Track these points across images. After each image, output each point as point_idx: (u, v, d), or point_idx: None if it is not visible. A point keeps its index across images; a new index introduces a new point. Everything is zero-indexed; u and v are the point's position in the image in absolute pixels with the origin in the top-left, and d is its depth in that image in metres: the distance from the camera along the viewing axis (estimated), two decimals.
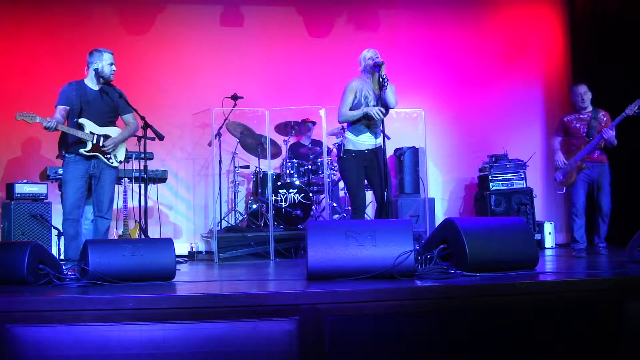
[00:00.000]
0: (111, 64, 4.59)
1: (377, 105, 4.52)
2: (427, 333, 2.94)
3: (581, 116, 5.49)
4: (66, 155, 4.58)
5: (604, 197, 5.36)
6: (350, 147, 4.71)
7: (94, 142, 4.52)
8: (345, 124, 5.54)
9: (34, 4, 6.93)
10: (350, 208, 6.58)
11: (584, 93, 5.48)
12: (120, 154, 4.72)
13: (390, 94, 4.53)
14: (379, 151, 4.65)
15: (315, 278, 3.37)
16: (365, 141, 4.66)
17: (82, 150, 4.49)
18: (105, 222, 4.63)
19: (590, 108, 5.49)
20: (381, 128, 4.60)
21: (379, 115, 4.48)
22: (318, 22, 7.59)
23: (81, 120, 4.52)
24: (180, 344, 2.79)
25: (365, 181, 4.82)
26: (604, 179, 5.38)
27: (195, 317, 2.83)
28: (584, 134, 5.44)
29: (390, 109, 4.64)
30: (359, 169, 4.69)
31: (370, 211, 6.46)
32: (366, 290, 2.94)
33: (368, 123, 4.62)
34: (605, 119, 5.41)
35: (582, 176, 5.43)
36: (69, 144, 4.55)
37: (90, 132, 4.53)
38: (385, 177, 4.55)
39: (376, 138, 4.66)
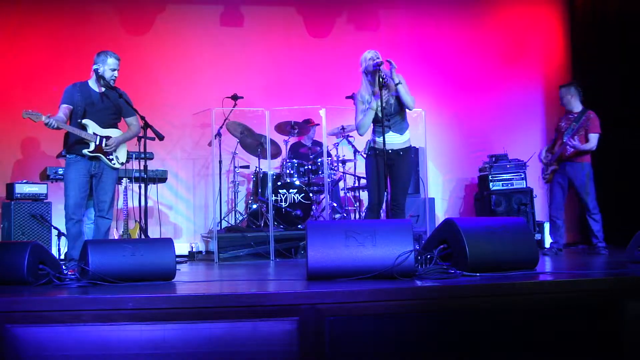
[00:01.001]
0: (113, 70, 4.57)
1: (381, 106, 4.46)
2: (427, 333, 2.93)
3: (569, 116, 5.54)
4: (67, 155, 4.59)
5: (585, 196, 5.39)
6: (374, 145, 4.63)
7: (97, 143, 4.53)
8: (346, 124, 5.54)
9: (34, 4, 6.93)
10: (350, 208, 6.64)
11: (562, 97, 5.56)
12: (122, 156, 4.72)
13: (404, 95, 4.44)
14: (405, 152, 4.57)
15: (315, 278, 3.36)
16: (390, 140, 4.52)
17: (85, 151, 4.50)
18: (106, 222, 4.64)
19: (579, 109, 5.50)
20: (405, 122, 4.57)
21: (378, 104, 4.41)
22: (318, 22, 7.59)
23: (84, 121, 4.53)
24: (180, 344, 2.79)
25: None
26: (578, 178, 5.40)
27: (195, 317, 2.82)
28: (564, 133, 5.49)
29: (409, 109, 4.57)
30: (380, 167, 4.58)
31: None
32: (366, 290, 2.94)
33: (389, 123, 4.51)
34: (585, 120, 5.39)
35: (557, 176, 5.49)
36: (71, 145, 4.56)
37: (94, 133, 4.53)
38: (386, 177, 4.47)
39: (401, 134, 4.56)
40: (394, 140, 4.53)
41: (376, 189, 4.65)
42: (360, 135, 4.73)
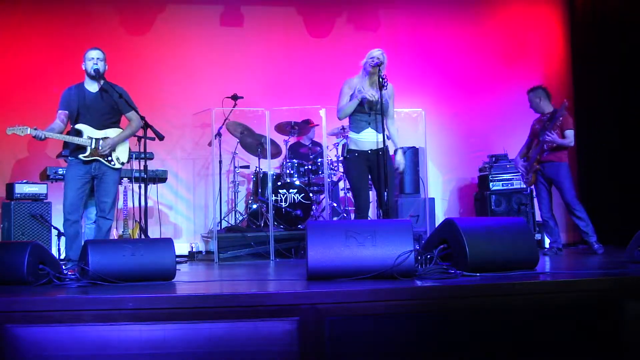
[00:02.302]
0: (91, 59, 4.54)
1: (381, 107, 4.50)
2: (427, 333, 2.93)
3: (542, 118, 5.59)
4: (69, 157, 4.59)
5: (565, 194, 5.41)
6: (353, 146, 4.69)
7: (93, 146, 4.52)
8: (346, 124, 5.56)
9: (34, 4, 6.93)
10: (349, 208, 6.64)
11: (531, 101, 5.62)
12: (123, 156, 4.70)
13: (390, 106, 4.57)
14: (384, 152, 4.59)
15: (315, 278, 3.36)
16: (367, 139, 4.59)
17: (81, 156, 4.49)
18: (107, 222, 4.63)
19: (550, 109, 5.54)
20: (382, 123, 4.60)
21: (374, 97, 4.46)
22: (318, 22, 7.59)
23: (78, 126, 4.53)
24: (180, 344, 2.79)
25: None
26: (559, 177, 5.42)
27: (196, 317, 2.82)
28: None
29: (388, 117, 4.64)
30: (362, 168, 4.65)
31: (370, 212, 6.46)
32: (366, 290, 2.94)
33: (368, 117, 4.59)
34: (562, 119, 5.40)
35: (540, 178, 5.53)
36: (72, 149, 4.57)
37: (88, 137, 4.52)
38: (386, 177, 4.51)
39: (378, 133, 4.58)
40: (371, 138, 4.57)
41: (365, 191, 4.67)
42: (339, 119, 4.82)
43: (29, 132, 4.31)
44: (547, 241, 6.57)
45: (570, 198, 5.38)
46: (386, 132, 4.61)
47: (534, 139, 5.62)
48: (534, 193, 5.72)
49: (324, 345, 2.83)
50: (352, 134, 4.71)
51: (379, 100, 4.45)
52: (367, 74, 4.60)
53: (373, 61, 4.52)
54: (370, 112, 4.57)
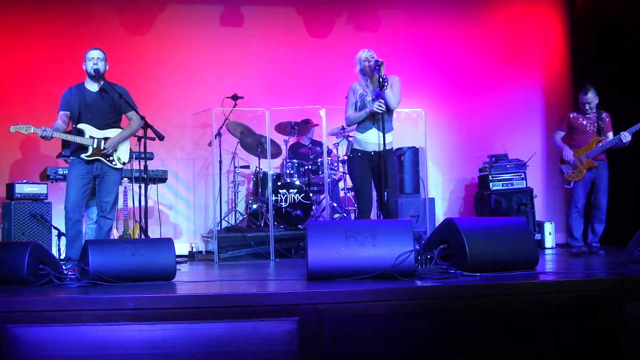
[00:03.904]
0: (91, 58, 4.54)
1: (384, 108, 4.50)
2: (427, 333, 2.94)
3: (588, 115, 5.52)
4: (71, 157, 4.60)
5: (602, 196, 5.40)
6: (357, 146, 4.68)
7: (95, 146, 4.53)
8: (346, 124, 5.56)
9: (34, 4, 6.93)
10: (350, 208, 6.64)
11: (591, 102, 5.47)
12: (124, 156, 4.70)
13: (390, 96, 4.48)
14: (387, 154, 4.55)
15: (315, 278, 3.37)
16: (372, 140, 4.57)
17: (83, 156, 4.50)
18: (108, 222, 4.64)
19: (595, 109, 5.53)
20: (389, 123, 4.58)
21: (381, 108, 4.43)
22: (318, 22, 7.59)
23: (80, 126, 4.53)
24: (180, 344, 2.80)
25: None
26: (603, 177, 5.42)
27: (196, 317, 2.83)
28: (590, 131, 5.46)
29: (391, 110, 4.62)
30: (366, 169, 4.65)
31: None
32: (366, 290, 2.94)
33: (373, 119, 4.58)
34: (607, 120, 5.46)
35: (588, 175, 5.45)
36: (73, 149, 4.58)
37: (90, 137, 4.53)
38: (386, 177, 4.50)
39: (383, 133, 4.56)
40: (375, 139, 4.54)
41: (367, 191, 4.67)
42: (347, 126, 4.79)
43: (32, 131, 4.32)
44: (547, 241, 6.57)
45: (606, 201, 5.39)
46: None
47: (574, 135, 5.53)
48: (575, 188, 5.47)
49: (324, 345, 2.83)
50: (356, 134, 4.70)
51: (384, 109, 4.45)
52: (367, 76, 4.60)
53: (370, 62, 4.51)
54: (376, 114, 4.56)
